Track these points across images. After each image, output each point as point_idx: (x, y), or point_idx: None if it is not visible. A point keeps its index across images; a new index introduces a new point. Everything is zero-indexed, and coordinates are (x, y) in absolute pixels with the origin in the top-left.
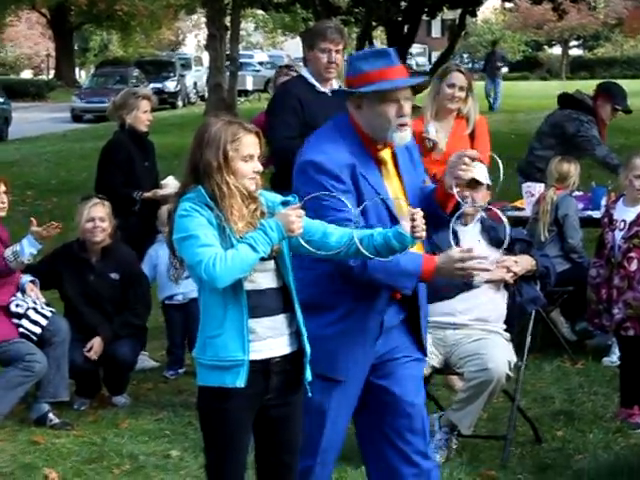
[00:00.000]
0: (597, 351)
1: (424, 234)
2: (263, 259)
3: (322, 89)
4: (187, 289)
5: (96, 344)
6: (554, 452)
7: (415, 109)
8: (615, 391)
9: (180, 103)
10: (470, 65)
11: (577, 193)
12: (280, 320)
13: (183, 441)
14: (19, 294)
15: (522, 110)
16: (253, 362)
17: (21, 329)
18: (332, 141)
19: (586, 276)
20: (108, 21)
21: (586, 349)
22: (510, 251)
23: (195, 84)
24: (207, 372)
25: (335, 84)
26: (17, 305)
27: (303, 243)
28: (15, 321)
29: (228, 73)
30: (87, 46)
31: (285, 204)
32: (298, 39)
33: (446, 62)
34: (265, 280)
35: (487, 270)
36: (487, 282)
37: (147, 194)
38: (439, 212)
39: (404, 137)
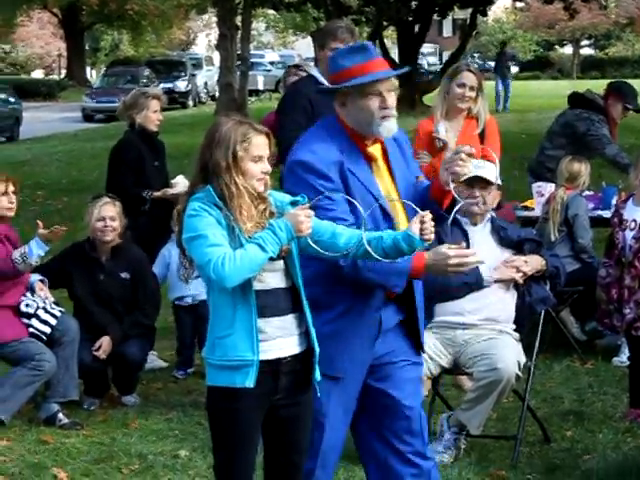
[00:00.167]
0: (607, 351)
1: (433, 237)
2: (272, 259)
3: None
4: (197, 291)
5: (105, 343)
6: (563, 452)
7: (425, 108)
8: (624, 391)
9: (191, 103)
10: (482, 64)
11: (587, 193)
12: (289, 320)
13: (192, 441)
14: (28, 294)
15: (533, 110)
16: (263, 362)
17: (31, 329)
18: (320, 140)
19: (596, 276)
20: (119, 21)
21: (596, 349)
22: (520, 251)
23: (206, 84)
24: (216, 372)
25: None
26: (27, 305)
27: (311, 243)
28: (25, 321)
29: (239, 73)
30: (98, 46)
31: (294, 204)
32: (309, 39)
33: (457, 62)
34: (274, 280)
35: (480, 262)
36: (497, 282)
37: (157, 193)
38: (434, 208)
39: (390, 128)
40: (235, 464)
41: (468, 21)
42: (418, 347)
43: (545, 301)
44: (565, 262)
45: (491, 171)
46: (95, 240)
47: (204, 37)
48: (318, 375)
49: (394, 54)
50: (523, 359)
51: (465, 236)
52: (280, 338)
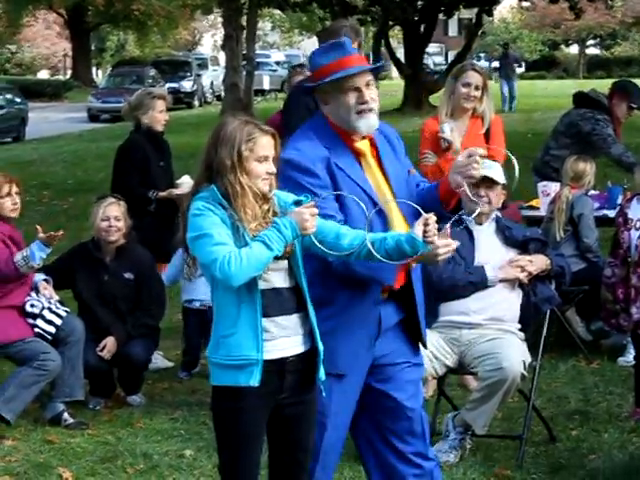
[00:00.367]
0: (612, 351)
1: (436, 239)
2: (276, 258)
3: None
4: (206, 296)
5: (109, 344)
6: (569, 452)
7: (431, 108)
8: (630, 391)
9: (196, 103)
10: (487, 64)
11: (593, 192)
12: (294, 319)
13: (197, 441)
14: (33, 293)
15: (539, 109)
16: (267, 362)
17: (36, 329)
18: (306, 138)
19: (601, 276)
20: (125, 21)
21: (601, 349)
22: (525, 250)
23: (212, 84)
24: (220, 371)
25: None
26: (32, 305)
27: (316, 242)
28: (30, 321)
29: (245, 73)
30: (104, 46)
31: (298, 204)
32: (315, 39)
33: (463, 61)
34: (278, 279)
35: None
36: (502, 281)
37: (162, 194)
38: (441, 209)
39: (369, 123)
40: (240, 463)
41: (474, 21)
42: (419, 345)
43: (550, 300)
44: (570, 261)
45: (498, 171)
46: (99, 240)
47: (210, 37)
48: (323, 374)
49: (400, 54)
50: (528, 359)
51: (470, 235)
52: (284, 337)
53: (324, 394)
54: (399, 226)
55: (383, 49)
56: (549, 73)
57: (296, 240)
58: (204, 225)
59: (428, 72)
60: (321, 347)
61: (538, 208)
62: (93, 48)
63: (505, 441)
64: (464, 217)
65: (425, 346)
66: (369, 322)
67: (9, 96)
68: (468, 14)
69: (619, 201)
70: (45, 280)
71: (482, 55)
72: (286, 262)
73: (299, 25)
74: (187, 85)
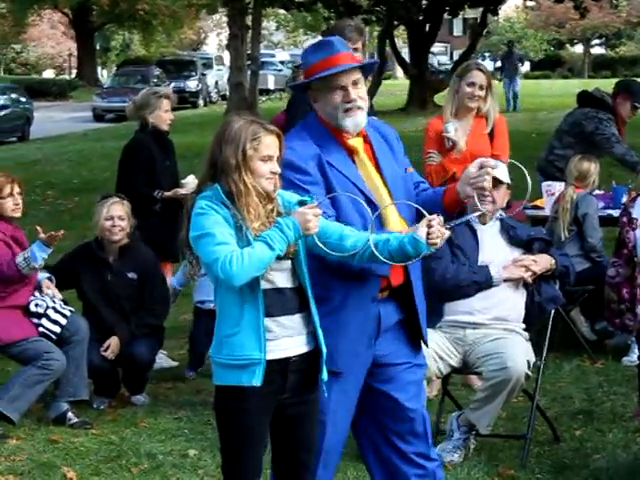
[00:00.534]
0: (617, 351)
1: (439, 241)
2: (279, 258)
3: None
4: None
5: (113, 344)
6: (573, 452)
7: (436, 108)
8: (634, 391)
9: (201, 102)
10: (492, 63)
11: (597, 192)
12: (297, 320)
13: (201, 440)
14: (37, 293)
15: (543, 109)
16: (270, 362)
17: (41, 328)
18: (298, 138)
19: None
20: (130, 21)
21: (606, 349)
22: (529, 250)
23: (216, 83)
24: (223, 371)
25: None
26: (36, 305)
27: (319, 243)
28: (35, 321)
29: (249, 72)
30: (109, 46)
31: (302, 204)
32: (319, 38)
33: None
34: (281, 279)
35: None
36: (506, 281)
37: (168, 193)
38: (443, 215)
39: (356, 121)
40: (243, 463)
41: (479, 20)
42: (421, 345)
43: (555, 300)
44: (575, 261)
45: (503, 171)
46: (103, 240)
47: (215, 37)
48: (325, 375)
49: (405, 54)
50: (533, 358)
51: (474, 235)
52: (287, 337)
53: (326, 394)
54: (396, 226)
55: (388, 49)
56: (554, 72)
57: (300, 240)
58: (207, 224)
59: (433, 72)
60: (324, 348)
61: (542, 208)
62: (98, 48)
63: (509, 441)
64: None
65: (427, 345)
66: (368, 320)
67: (14, 96)
68: (473, 14)
69: (624, 200)
70: (48, 278)
71: (487, 55)
72: (289, 262)
73: (304, 25)
74: (192, 85)
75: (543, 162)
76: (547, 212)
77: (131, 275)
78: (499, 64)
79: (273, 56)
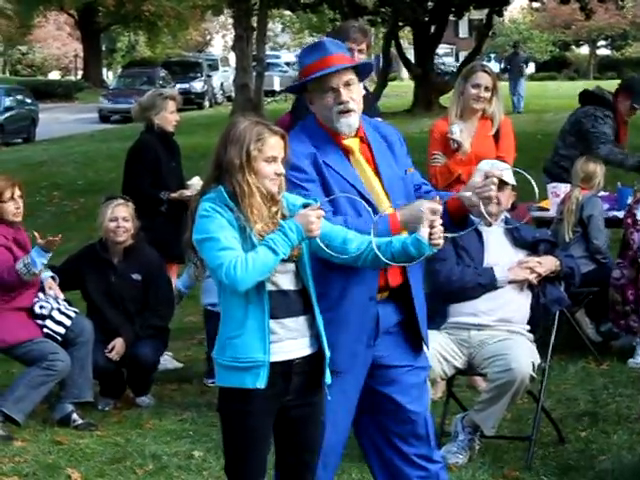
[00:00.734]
0: (622, 352)
1: (442, 241)
2: (283, 260)
3: None
4: None
5: (118, 345)
6: (578, 453)
7: (442, 109)
8: None
9: (207, 103)
10: (498, 65)
11: (603, 193)
12: (301, 322)
13: (206, 442)
14: (41, 295)
15: (549, 110)
16: (274, 364)
17: (45, 330)
18: (295, 138)
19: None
20: (135, 22)
21: (611, 350)
22: (534, 252)
23: (222, 84)
24: (227, 373)
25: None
26: (41, 307)
27: (323, 247)
28: (39, 322)
29: (255, 73)
30: (115, 47)
31: (306, 207)
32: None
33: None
34: (285, 281)
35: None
36: (511, 283)
37: (174, 195)
38: (446, 220)
39: (349, 123)
40: (246, 465)
41: (484, 21)
42: (421, 347)
43: (560, 302)
44: (580, 263)
45: (508, 172)
46: (107, 241)
47: (220, 38)
48: (329, 378)
49: (410, 55)
50: (537, 360)
51: (479, 237)
52: (291, 340)
53: (329, 397)
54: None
55: (393, 50)
56: (560, 74)
57: (304, 243)
58: (211, 228)
59: (438, 73)
60: (327, 352)
61: (548, 209)
62: (104, 49)
63: (514, 442)
64: (471, 217)
65: (427, 347)
66: (366, 319)
67: (20, 97)
68: (478, 15)
69: (629, 202)
70: (52, 277)
71: (492, 56)
72: (293, 265)
73: (309, 26)
74: (197, 86)
75: (549, 163)
76: (552, 214)
77: (135, 276)
78: (503, 65)
79: (278, 57)
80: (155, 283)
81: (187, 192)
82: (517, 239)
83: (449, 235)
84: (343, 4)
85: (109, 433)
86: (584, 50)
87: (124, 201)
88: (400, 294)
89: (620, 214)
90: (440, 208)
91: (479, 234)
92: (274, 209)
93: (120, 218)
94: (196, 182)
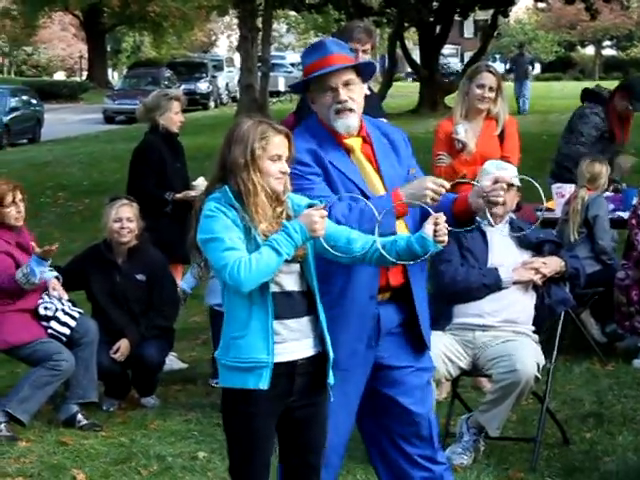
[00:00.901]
0: (627, 353)
1: (446, 238)
2: (288, 261)
3: None
4: None
5: (123, 346)
6: (583, 454)
7: (447, 110)
8: None
9: (212, 104)
10: (503, 65)
11: (608, 194)
12: (305, 323)
13: (211, 442)
14: (45, 296)
15: (554, 111)
16: (277, 364)
17: (50, 331)
18: (299, 137)
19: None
20: (140, 22)
21: (616, 351)
22: (539, 252)
23: (227, 85)
24: (230, 373)
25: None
26: (45, 308)
27: (327, 247)
28: (44, 324)
29: (260, 74)
30: (120, 47)
31: (311, 207)
32: None
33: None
34: (290, 282)
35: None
36: (515, 283)
37: (179, 195)
38: (451, 222)
39: (347, 124)
40: (250, 466)
41: (489, 22)
42: (424, 348)
43: (565, 302)
44: (585, 263)
45: (513, 173)
46: (112, 241)
47: (225, 39)
48: (332, 379)
49: (415, 55)
50: (542, 361)
51: (484, 237)
52: (295, 341)
53: (332, 399)
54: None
55: (398, 50)
56: (565, 74)
57: (309, 244)
58: (215, 228)
59: (443, 73)
60: (331, 352)
61: (553, 210)
62: (109, 49)
63: (519, 444)
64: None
65: (429, 348)
66: (366, 318)
67: (25, 98)
68: (484, 15)
69: (634, 202)
70: (56, 277)
71: (497, 56)
72: (298, 265)
73: (314, 26)
74: (203, 86)
75: (553, 164)
76: (558, 214)
77: (140, 277)
78: (508, 66)
79: (284, 58)
80: (160, 283)
81: (192, 193)
82: (522, 240)
83: (453, 229)
84: (348, 4)
85: (114, 434)
86: (589, 50)
87: (128, 201)
88: (402, 295)
89: (625, 215)
90: (446, 184)
91: (484, 235)
92: (279, 209)
93: (124, 219)
94: (201, 183)
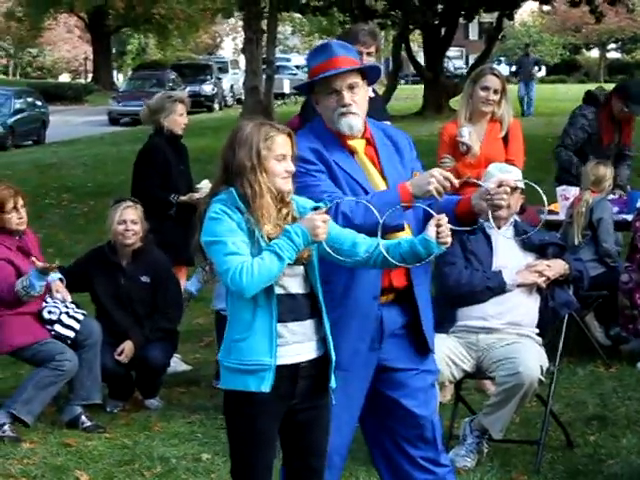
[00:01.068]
0: (631, 356)
1: (449, 240)
2: (292, 263)
3: None
4: None
5: (127, 348)
6: (586, 457)
7: (452, 112)
8: None
9: (217, 106)
10: (508, 68)
11: (612, 196)
12: (308, 325)
13: (214, 444)
14: (49, 299)
15: (559, 113)
16: (280, 367)
17: (54, 333)
18: (303, 137)
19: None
20: (145, 24)
21: (620, 354)
22: (543, 255)
23: (232, 87)
24: (231, 375)
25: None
26: (49, 312)
27: (330, 252)
28: (48, 327)
29: (265, 76)
30: (125, 49)
31: (317, 210)
32: None
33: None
34: (294, 285)
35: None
36: (519, 286)
37: (183, 197)
38: (453, 223)
39: (351, 125)
40: (252, 468)
41: (494, 24)
42: (428, 350)
43: (568, 305)
44: (589, 266)
45: (517, 176)
46: (116, 244)
47: (230, 41)
48: (334, 383)
49: (420, 58)
50: (546, 363)
51: (488, 240)
52: (298, 343)
53: (334, 402)
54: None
55: (403, 53)
56: (570, 77)
57: (313, 246)
58: (219, 231)
59: (448, 76)
60: (334, 355)
61: (557, 212)
62: (114, 51)
63: (522, 446)
64: (480, 220)
65: (432, 351)
66: (369, 319)
67: (30, 99)
68: (489, 18)
69: (638, 205)
70: (60, 279)
71: (502, 59)
72: (302, 268)
73: (319, 29)
74: (207, 89)
75: (556, 168)
76: (562, 217)
77: (144, 279)
78: (514, 68)
79: (288, 60)
80: (164, 285)
81: (196, 195)
82: (526, 242)
83: (455, 228)
84: (353, 7)
85: (117, 435)
86: (594, 53)
87: (133, 204)
88: (405, 296)
89: (630, 217)
90: (453, 179)
91: (488, 238)
92: (284, 211)
93: (129, 221)
94: (205, 185)
